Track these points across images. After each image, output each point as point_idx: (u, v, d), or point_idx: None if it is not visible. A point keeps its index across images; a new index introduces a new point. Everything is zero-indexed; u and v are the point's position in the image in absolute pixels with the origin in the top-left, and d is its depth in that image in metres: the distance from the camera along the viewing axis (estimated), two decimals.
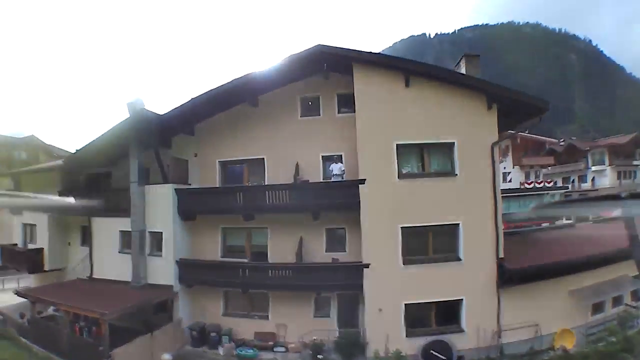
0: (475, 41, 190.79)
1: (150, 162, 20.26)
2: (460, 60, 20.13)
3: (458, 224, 16.75)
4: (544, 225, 27.73)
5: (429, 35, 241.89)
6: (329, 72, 18.18)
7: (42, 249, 26.59)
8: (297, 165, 18.62)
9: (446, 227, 16.86)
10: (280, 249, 18.76)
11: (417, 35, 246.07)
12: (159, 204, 19.88)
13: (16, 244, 30.06)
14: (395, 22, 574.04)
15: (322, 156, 18.77)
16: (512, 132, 21.35)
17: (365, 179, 16.64)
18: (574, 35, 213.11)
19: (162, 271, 19.88)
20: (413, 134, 16.75)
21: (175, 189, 19.59)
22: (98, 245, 23.16)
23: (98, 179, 24.32)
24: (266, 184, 19.13)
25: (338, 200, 17.13)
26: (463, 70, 19.39)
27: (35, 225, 28.00)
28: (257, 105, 19.81)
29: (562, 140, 66.67)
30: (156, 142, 19.72)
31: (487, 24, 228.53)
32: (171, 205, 19.50)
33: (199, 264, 19.70)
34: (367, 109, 16.97)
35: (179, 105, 19.25)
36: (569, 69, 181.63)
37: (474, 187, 16.66)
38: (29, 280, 29.77)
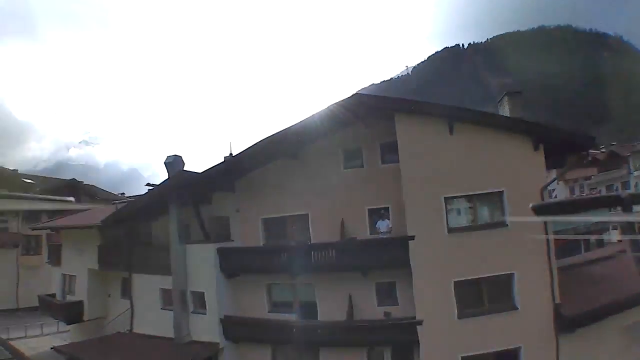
0: (508, 48, 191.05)
1: (190, 217, 20.24)
2: (502, 98, 19.71)
3: (512, 273, 16.25)
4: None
5: (463, 45, 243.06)
6: (370, 120, 17.90)
7: (82, 301, 26.70)
8: (342, 222, 18.29)
9: (500, 277, 16.42)
10: (329, 303, 18.42)
11: (451, 47, 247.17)
12: (201, 264, 19.88)
13: (54, 294, 30.29)
14: (429, 35, 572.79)
15: (368, 209, 18.38)
16: (562, 171, 20.85)
17: (414, 236, 16.21)
18: (605, 33, 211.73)
19: (207, 328, 19.79)
20: (460, 185, 16.38)
21: (217, 249, 19.39)
22: (139, 299, 23.32)
23: (138, 234, 24.26)
24: (311, 241, 18.89)
25: (387, 258, 16.79)
26: (506, 108, 19.01)
27: (74, 276, 28.15)
28: (298, 158, 19.55)
29: (602, 147, 65.54)
30: (196, 199, 19.61)
31: (518, 30, 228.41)
32: (213, 264, 19.39)
33: (245, 322, 19.49)
34: (411, 160, 16.64)
35: (217, 164, 19.15)
36: (601, 67, 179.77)
37: (526, 234, 16.03)
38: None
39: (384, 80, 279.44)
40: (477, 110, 18.76)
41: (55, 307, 28.64)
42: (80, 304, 26.75)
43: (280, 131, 18.12)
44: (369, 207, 18.35)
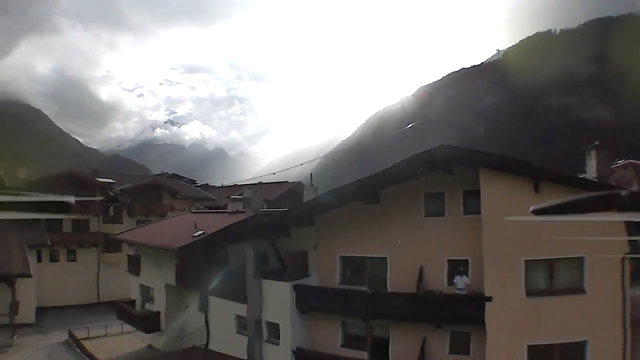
0: (600, 35, 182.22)
1: (268, 246, 20.91)
2: (590, 149, 19.23)
3: (585, 341, 16.09)
4: None
5: (555, 30, 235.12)
6: (454, 168, 17.94)
7: (159, 312, 28.04)
8: (420, 270, 18.47)
9: (573, 345, 16.25)
10: (401, 343, 18.78)
11: (543, 32, 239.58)
12: (276, 298, 20.63)
13: (133, 300, 31.94)
14: (519, 20, 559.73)
15: (447, 260, 18.41)
16: None
17: (491, 297, 16.30)
18: None
19: (279, 357, 20.59)
20: (542, 248, 16.15)
21: (292, 286, 20.04)
22: (214, 319, 24.56)
23: (216, 258, 25.22)
24: (388, 285, 19.22)
25: (463, 315, 17.08)
26: (593, 161, 18.53)
27: (152, 288, 29.62)
28: (379, 202, 19.72)
29: None
30: (274, 233, 20.26)
31: (609, 16, 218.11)
32: (289, 300, 20.11)
33: (317, 356, 20.14)
34: (493, 217, 16.54)
35: (300, 204, 19.68)
36: None
37: (603, 302, 15.96)
38: None
39: (475, 65, 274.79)
40: (565, 173, 18.37)
41: (134, 317, 30.31)
42: (157, 315, 28.22)
43: (366, 177, 18.39)
44: (448, 258, 18.38)
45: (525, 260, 16.31)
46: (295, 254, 20.88)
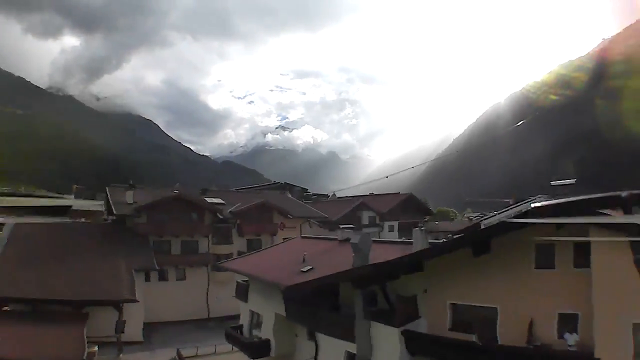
0: None
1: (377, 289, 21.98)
2: None
3: None
4: None
5: None
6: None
7: (268, 340, 29.70)
8: (530, 323, 18.84)
9: None
10: None
11: None
12: (386, 341, 21.35)
13: (241, 326, 34.02)
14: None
15: (558, 314, 18.58)
16: None
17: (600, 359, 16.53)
18: None
19: None
20: None
21: (402, 332, 20.79)
22: (324, 353, 25.60)
23: (325, 294, 26.11)
24: (498, 336, 19.63)
25: None
26: None
27: (261, 315, 31.45)
28: (490, 251, 20.12)
29: None
30: (383, 278, 21.33)
31: None
32: (398, 343, 20.70)
33: None
34: (603, 276, 16.82)
35: (411, 254, 20.59)
36: None
37: None
38: None
39: (581, 56, 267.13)
40: None
41: (243, 344, 32.20)
42: (266, 342, 29.82)
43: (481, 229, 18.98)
44: (559, 312, 18.54)
45: (633, 323, 16.25)
46: (404, 297, 21.71)
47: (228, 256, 50.98)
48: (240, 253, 51.25)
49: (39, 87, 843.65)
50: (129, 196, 51.99)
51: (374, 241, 24.59)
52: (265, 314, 30.98)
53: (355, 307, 22.23)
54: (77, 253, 43.82)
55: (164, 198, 52.67)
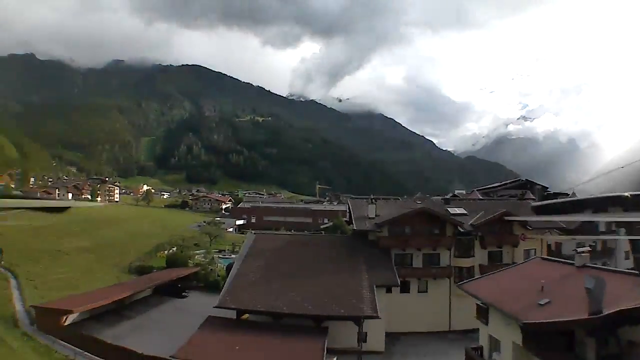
0: None
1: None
2: None
3: None
4: None
5: None
6: None
7: None
8: None
9: None
10: None
11: None
12: None
13: (481, 347, 35.46)
14: None
15: None
16: None
17: None
18: None
19: None
20: None
21: None
22: None
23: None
24: None
25: None
26: None
27: (499, 340, 32.53)
28: None
29: None
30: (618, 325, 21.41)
31: None
32: None
33: None
34: None
35: None
36: None
37: None
38: None
39: None
40: None
41: None
42: None
43: None
44: None
45: None
46: (635, 343, 21.49)
47: (469, 269, 52.51)
48: (481, 266, 52.75)
49: (279, 95, 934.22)
50: (371, 210, 55.27)
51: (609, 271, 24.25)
52: (504, 340, 32.18)
53: (587, 350, 22.52)
54: (317, 266, 47.19)
55: (407, 213, 54.52)
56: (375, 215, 54.82)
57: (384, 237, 52.97)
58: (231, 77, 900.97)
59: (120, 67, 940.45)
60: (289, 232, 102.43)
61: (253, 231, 58.85)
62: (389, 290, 46.97)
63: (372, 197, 61.35)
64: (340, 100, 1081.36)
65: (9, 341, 37.94)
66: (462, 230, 53.53)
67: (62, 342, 39.62)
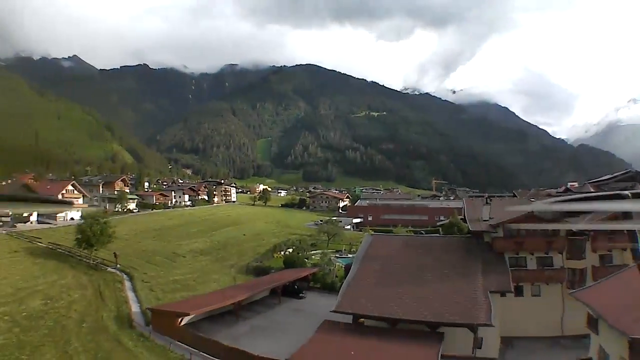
0: None
1: None
2: None
3: None
4: None
5: None
6: None
7: None
8: None
9: None
10: None
11: None
12: None
13: (590, 359, 33.49)
14: None
15: None
16: None
17: None
18: None
19: None
20: None
21: None
22: None
23: None
24: None
25: None
26: None
27: (607, 353, 30.66)
28: None
29: None
30: None
31: None
32: None
33: None
34: None
35: None
36: None
37: None
38: None
39: None
40: None
41: None
42: None
43: None
44: None
45: None
46: None
47: (582, 272, 50.17)
48: (594, 268, 49.93)
49: (393, 89, 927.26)
50: (485, 212, 54.15)
51: None
52: (612, 353, 30.31)
53: None
54: (433, 269, 46.69)
55: (522, 216, 50.48)
56: (490, 218, 53.88)
57: (499, 238, 51.52)
58: (345, 74, 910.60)
59: (233, 70, 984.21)
60: (406, 230, 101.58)
61: (371, 231, 59.25)
62: (503, 294, 45.75)
63: (487, 196, 59.90)
64: (454, 92, 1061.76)
65: (125, 341, 41.46)
66: (574, 230, 50.75)
67: (177, 342, 41.90)
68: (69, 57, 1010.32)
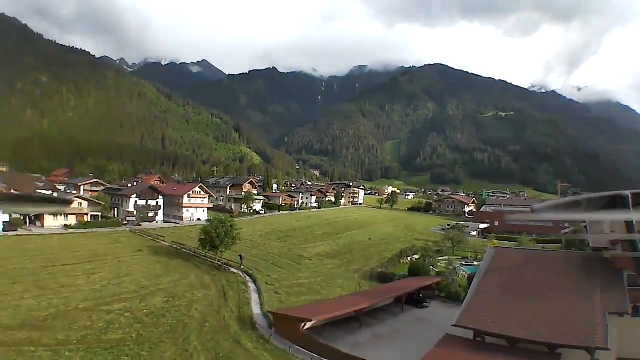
0: None
1: None
2: None
3: None
4: None
5: None
6: None
7: None
8: None
9: None
10: None
11: None
12: None
13: None
14: None
15: None
16: None
17: None
18: None
19: None
20: None
21: None
22: None
23: None
24: None
25: None
26: None
27: None
28: None
29: None
30: None
31: None
32: None
33: None
34: None
35: None
36: None
37: None
38: None
39: None
40: None
41: None
42: None
43: None
44: None
45: None
46: None
47: None
48: None
49: (520, 87, 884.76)
50: (606, 226, 50.40)
51: None
52: None
53: None
54: (553, 286, 44.69)
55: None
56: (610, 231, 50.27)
57: (618, 255, 47.05)
58: (473, 73, 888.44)
59: (363, 72, 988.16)
60: (529, 240, 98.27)
61: (495, 240, 57.84)
62: (621, 315, 43.27)
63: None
64: (579, 89, 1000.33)
65: (244, 343, 42.09)
66: None
67: (298, 347, 41.92)
68: (197, 62, 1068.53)
